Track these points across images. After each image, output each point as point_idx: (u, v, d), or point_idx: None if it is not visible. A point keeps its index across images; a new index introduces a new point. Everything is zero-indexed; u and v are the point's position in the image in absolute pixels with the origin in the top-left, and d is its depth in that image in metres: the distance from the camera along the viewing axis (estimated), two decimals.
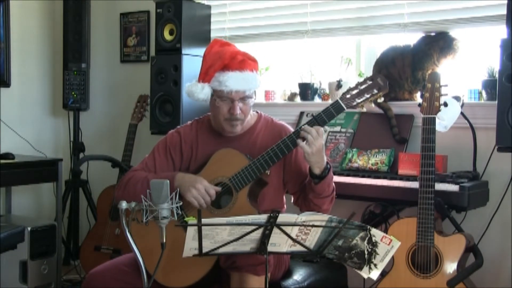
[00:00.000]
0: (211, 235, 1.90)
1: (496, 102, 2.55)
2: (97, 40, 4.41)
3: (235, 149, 2.37)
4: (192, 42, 3.63)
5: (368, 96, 2.34)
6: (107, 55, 4.42)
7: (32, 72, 4.40)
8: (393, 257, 2.36)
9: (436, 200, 2.55)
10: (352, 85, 2.39)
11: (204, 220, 1.85)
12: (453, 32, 3.05)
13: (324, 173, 2.30)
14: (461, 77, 3.13)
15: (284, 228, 1.91)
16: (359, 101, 2.33)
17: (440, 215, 2.66)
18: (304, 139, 2.26)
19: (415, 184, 2.64)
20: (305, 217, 1.90)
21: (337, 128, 3.27)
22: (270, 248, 1.97)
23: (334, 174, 2.54)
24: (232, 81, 2.32)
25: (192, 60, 3.59)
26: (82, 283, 2.78)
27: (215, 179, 2.33)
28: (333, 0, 3.49)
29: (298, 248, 2.00)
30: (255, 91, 2.43)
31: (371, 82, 2.34)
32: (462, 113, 2.84)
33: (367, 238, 1.95)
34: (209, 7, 3.82)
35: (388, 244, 1.95)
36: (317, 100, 3.57)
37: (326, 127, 2.31)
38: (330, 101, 3.41)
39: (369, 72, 3.33)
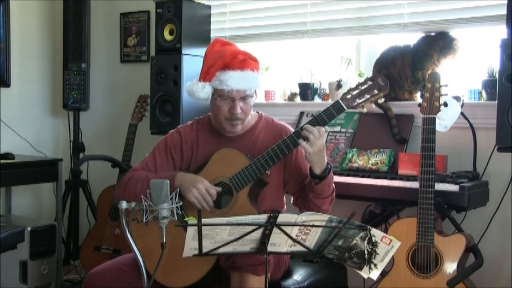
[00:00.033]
0: (211, 235, 1.90)
1: (496, 102, 2.55)
2: (97, 40, 4.41)
3: (236, 149, 2.37)
4: (192, 42, 3.63)
5: (368, 96, 2.34)
6: (107, 55, 4.42)
7: (32, 72, 4.40)
8: (393, 257, 2.36)
9: (436, 200, 2.55)
10: (353, 85, 2.39)
11: (204, 220, 1.85)
12: (453, 32, 3.05)
13: (324, 173, 2.31)
14: (461, 77, 3.13)
15: (284, 228, 1.91)
16: (359, 101, 2.33)
17: (440, 215, 2.66)
18: (306, 138, 2.26)
19: (415, 184, 2.64)
20: (305, 217, 1.90)
21: (337, 128, 3.27)
22: (270, 248, 1.97)
23: (334, 174, 2.54)
24: (233, 80, 2.32)
25: (192, 60, 3.59)
26: (82, 283, 2.77)
27: (215, 179, 2.33)
28: (333, 0, 3.49)
29: (298, 248, 2.00)
30: (256, 91, 2.43)
31: (371, 82, 2.34)
32: (462, 113, 2.84)
33: (367, 238, 1.95)
34: (209, 7, 3.82)
35: (388, 244, 1.95)
36: (317, 100, 3.57)
37: (326, 127, 2.31)
38: (330, 101, 3.41)
39: (369, 72, 3.33)
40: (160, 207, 1.84)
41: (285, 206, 2.53)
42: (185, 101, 3.53)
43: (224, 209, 2.32)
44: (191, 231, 1.88)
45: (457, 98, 2.80)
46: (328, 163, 2.33)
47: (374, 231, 1.94)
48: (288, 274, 2.52)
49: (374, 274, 2.02)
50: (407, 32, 3.22)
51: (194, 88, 2.38)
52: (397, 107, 3.12)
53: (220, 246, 1.94)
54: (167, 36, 3.62)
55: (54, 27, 4.46)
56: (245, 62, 2.35)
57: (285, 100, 3.69)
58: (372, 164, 2.99)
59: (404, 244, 2.40)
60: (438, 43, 3.02)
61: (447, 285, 2.49)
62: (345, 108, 2.32)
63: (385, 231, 2.60)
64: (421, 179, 2.52)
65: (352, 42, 3.56)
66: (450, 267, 2.50)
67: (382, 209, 2.98)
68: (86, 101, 4.21)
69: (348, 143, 3.19)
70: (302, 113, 3.46)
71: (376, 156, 3.00)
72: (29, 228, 3.50)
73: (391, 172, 2.94)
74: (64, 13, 4.16)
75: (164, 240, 1.90)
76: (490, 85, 2.91)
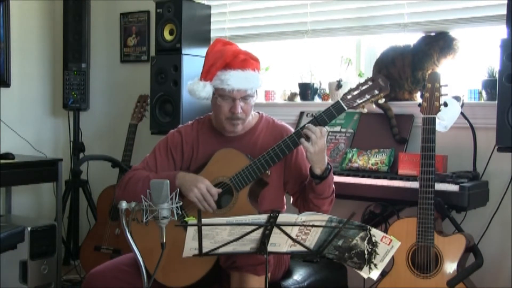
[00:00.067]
0: (211, 235, 1.90)
1: (496, 102, 2.55)
2: (97, 40, 4.41)
3: (236, 149, 2.38)
4: (192, 42, 3.63)
5: (369, 97, 2.33)
6: (107, 55, 4.43)
7: (32, 72, 4.40)
8: (393, 257, 2.36)
9: (436, 200, 2.55)
10: (353, 85, 2.39)
11: (204, 220, 1.85)
12: (453, 32, 3.05)
13: (325, 173, 2.31)
14: (461, 77, 3.13)
15: (284, 228, 1.91)
16: (360, 102, 2.33)
17: (440, 215, 2.66)
18: (307, 137, 2.26)
19: (415, 184, 2.64)
20: (305, 217, 1.90)
21: (337, 128, 3.27)
22: (270, 248, 1.97)
23: (334, 174, 2.54)
24: (233, 79, 2.32)
25: (192, 60, 3.59)
26: (82, 283, 2.77)
27: (215, 179, 2.33)
28: (333, 0, 3.49)
29: (298, 248, 2.00)
30: (256, 91, 2.43)
31: (372, 83, 2.34)
32: (462, 113, 2.84)
33: (367, 238, 1.95)
34: (209, 7, 3.82)
35: (388, 244, 1.95)
36: (317, 100, 3.57)
37: (326, 127, 2.32)
38: (330, 101, 3.41)
39: (369, 72, 3.33)
40: (160, 207, 1.84)
41: (285, 206, 2.53)
42: (185, 101, 3.53)
43: (224, 209, 2.32)
44: (191, 231, 1.88)
45: (457, 98, 2.80)
46: (328, 164, 2.33)
47: (374, 231, 1.94)
48: (288, 274, 2.52)
49: (374, 274, 2.02)
50: (407, 32, 3.22)
51: (195, 87, 2.38)
52: (397, 107, 3.12)
53: (220, 246, 1.94)
54: (167, 36, 3.62)
55: (54, 27, 4.46)
56: (246, 61, 2.35)
57: (285, 100, 3.69)
58: (372, 164, 2.99)
59: (404, 244, 2.40)
60: (438, 43, 3.02)
61: (447, 285, 2.49)
62: (346, 108, 2.32)
63: (385, 231, 2.60)
64: (421, 179, 2.52)
65: (352, 42, 3.56)
66: (450, 267, 2.50)
67: (382, 209, 2.98)
68: (86, 101, 4.21)
69: (348, 143, 3.19)
70: (302, 113, 3.46)
71: (376, 156, 3.00)
72: (29, 228, 3.50)
73: (391, 172, 2.94)
74: (64, 13, 4.16)
75: (164, 240, 1.90)
76: (490, 85, 2.91)
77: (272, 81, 3.80)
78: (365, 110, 2.39)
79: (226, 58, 2.33)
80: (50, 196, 4.14)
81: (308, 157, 2.28)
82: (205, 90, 2.36)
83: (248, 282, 2.15)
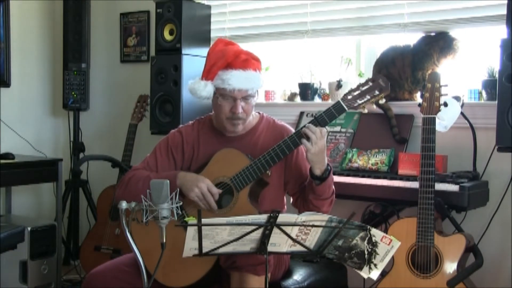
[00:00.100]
0: (211, 235, 1.90)
1: (496, 102, 2.55)
2: (97, 40, 4.41)
3: (237, 149, 2.38)
4: (192, 42, 3.63)
5: (369, 97, 2.33)
6: (107, 55, 4.43)
7: (32, 72, 4.40)
8: (393, 257, 2.36)
9: (436, 200, 2.55)
10: (353, 85, 2.39)
11: (204, 220, 1.85)
12: (453, 32, 3.05)
13: (324, 174, 2.31)
14: (461, 77, 3.13)
15: (284, 228, 1.91)
16: (360, 102, 2.33)
17: (440, 215, 2.66)
18: (308, 137, 2.26)
19: (415, 184, 2.64)
20: (305, 217, 1.90)
21: (337, 128, 3.27)
22: (270, 248, 1.97)
23: (334, 174, 2.54)
24: (235, 79, 2.32)
25: (192, 60, 3.59)
26: (82, 283, 2.77)
27: (216, 179, 2.33)
28: (333, 0, 3.49)
29: (298, 248, 2.00)
30: (257, 91, 2.43)
31: (372, 83, 2.34)
32: (462, 113, 2.84)
33: (367, 238, 1.95)
34: (209, 7, 3.82)
35: (388, 244, 1.95)
36: (317, 100, 3.57)
37: (326, 127, 2.32)
38: (330, 101, 3.41)
39: (369, 72, 3.33)
40: (160, 207, 1.84)
41: (285, 206, 2.53)
42: (185, 101, 3.53)
43: (225, 209, 2.32)
44: (191, 231, 1.88)
45: (457, 98, 2.80)
46: (328, 164, 2.33)
47: (374, 231, 1.94)
48: (288, 274, 2.52)
49: (374, 274, 2.02)
50: (407, 32, 3.22)
51: (196, 87, 2.38)
52: (397, 107, 3.12)
53: (220, 246, 1.94)
54: (167, 36, 3.62)
55: (54, 27, 4.46)
56: (248, 61, 2.35)
57: (285, 100, 3.69)
58: (372, 164, 2.99)
59: (404, 244, 2.40)
60: (438, 43, 3.02)
61: (447, 285, 2.49)
62: (346, 109, 2.32)
63: (385, 231, 2.60)
64: (421, 179, 2.52)
65: (352, 42, 3.56)
66: (450, 267, 2.51)
67: (382, 209, 2.98)
68: (86, 101, 4.21)
69: (348, 143, 3.19)
70: (302, 113, 3.46)
71: (376, 156, 3.00)
72: (29, 228, 3.50)
73: (391, 172, 2.94)
74: (64, 13, 4.16)
75: (164, 240, 1.90)
76: (490, 85, 2.91)
77: (272, 81, 3.80)
78: (365, 110, 2.39)
79: (228, 58, 2.33)
80: (50, 196, 4.14)
81: (308, 158, 2.28)
82: (206, 89, 2.36)
83: (248, 282, 2.15)
